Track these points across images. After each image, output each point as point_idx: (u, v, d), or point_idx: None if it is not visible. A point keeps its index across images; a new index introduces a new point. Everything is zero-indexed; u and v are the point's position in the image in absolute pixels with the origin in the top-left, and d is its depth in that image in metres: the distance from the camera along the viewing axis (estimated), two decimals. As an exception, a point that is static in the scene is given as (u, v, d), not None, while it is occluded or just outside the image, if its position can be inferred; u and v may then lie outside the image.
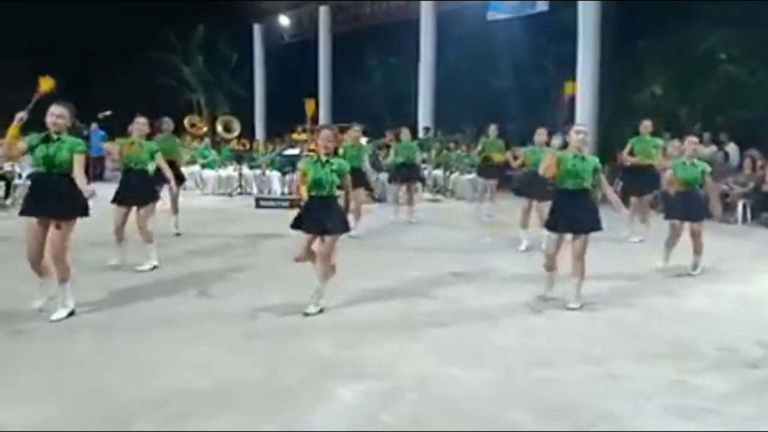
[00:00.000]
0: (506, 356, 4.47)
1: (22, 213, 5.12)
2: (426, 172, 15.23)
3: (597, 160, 5.78)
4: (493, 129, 11.20)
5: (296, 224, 5.45)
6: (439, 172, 15.28)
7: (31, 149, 5.06)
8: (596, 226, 5.64)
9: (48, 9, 21.65)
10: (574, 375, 4.15)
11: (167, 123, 9.31)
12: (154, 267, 6.90)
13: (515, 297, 5.88)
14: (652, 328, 5.14)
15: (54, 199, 5.02)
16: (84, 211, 5.15)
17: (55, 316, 5.07)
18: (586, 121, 14.59)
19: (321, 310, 5.37)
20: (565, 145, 6.05)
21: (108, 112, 12.51)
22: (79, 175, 5.04)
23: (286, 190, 14.06)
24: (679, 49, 14.48)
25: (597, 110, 14.71)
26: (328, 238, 5.39)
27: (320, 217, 5.35)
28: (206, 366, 4.24)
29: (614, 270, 6.87)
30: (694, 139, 7.22)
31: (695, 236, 6.91)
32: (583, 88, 14.67)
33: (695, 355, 4.54)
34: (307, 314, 5.28)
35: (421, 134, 17.79)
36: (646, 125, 9.09)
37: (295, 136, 16.95)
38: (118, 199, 6.96)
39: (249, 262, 7.43)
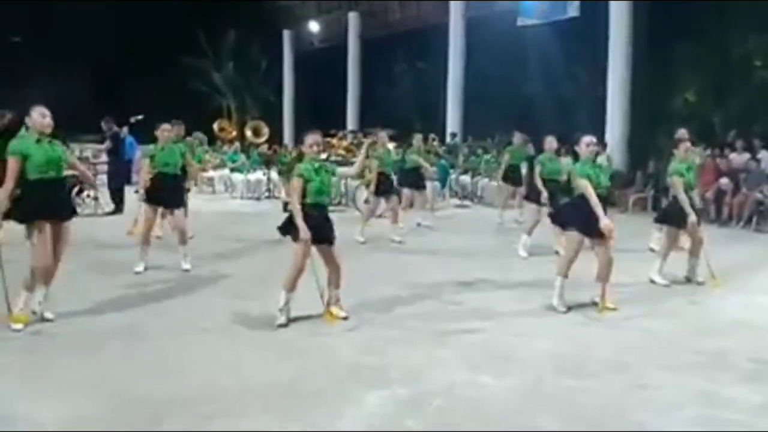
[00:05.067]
0: (534, 364, 4.43)
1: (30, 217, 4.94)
2: (453, 177, 15.26)
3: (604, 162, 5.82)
4: (517, 136, 11.23)
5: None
6: (466, 178, 15.23)
7: (26, 156, 4.87)
8: None
9: (81, 13, 22.12)
10: (603, 384, 4.10)
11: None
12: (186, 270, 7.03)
13: (543, 304, 5.81)
14: (683, 338, 5.05)
15: (61, 201, 5.17)
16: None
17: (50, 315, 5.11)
18: (617, 128, 14.49)
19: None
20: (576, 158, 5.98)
21: (140, 116, 12.76)
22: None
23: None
24: (713, 55, 14.23)
25: (629, 117, 14.52)
26: (334, 247, 5.28)
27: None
28: (234, 367, 4.29)
29: (645, 279, 6.76)
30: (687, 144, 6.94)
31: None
32: (614, 95, 14.53)
33: (728, 366, 4.45)
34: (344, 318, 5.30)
35: (448, 139, 17.81)
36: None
37: (332, 141, 16.94)
38: (150, 198, 7.07)
39: (275, 265, 7.43)
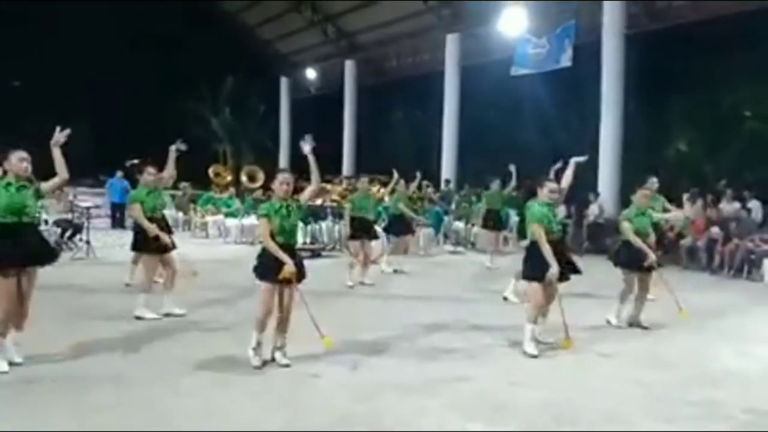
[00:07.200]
0: (530, 413, 4.38)
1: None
2: (447, 219, 15.35)
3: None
4: (496, 183, 11.54)
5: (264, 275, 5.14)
6: (460, 224, 15.31)
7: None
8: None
9: (81, 58, 22.48)
10: (597, 434, 4.06)
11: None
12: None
13: (538, 351, 5.79)
14: (677, 388, 5.01)
15: (27, 246, 4.89)
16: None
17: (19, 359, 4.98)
18: (608, 177, 14.60)
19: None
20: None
21: (135, 161, 12.75)
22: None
23: (307, 239, 14.12)
24: (705, 105, 14.53)
25: (620, 166, 14.67)
26: (292, 290, 5.19)
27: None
28: (224, 413, 4.23)
29: (636, 328, 6.74)
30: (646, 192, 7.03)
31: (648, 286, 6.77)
32: (606, 144, 14.70)
33: (722, 416, 4.41)
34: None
35: (442, 186, 17.94)
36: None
37: (328, 186, 17.09)
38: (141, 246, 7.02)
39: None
